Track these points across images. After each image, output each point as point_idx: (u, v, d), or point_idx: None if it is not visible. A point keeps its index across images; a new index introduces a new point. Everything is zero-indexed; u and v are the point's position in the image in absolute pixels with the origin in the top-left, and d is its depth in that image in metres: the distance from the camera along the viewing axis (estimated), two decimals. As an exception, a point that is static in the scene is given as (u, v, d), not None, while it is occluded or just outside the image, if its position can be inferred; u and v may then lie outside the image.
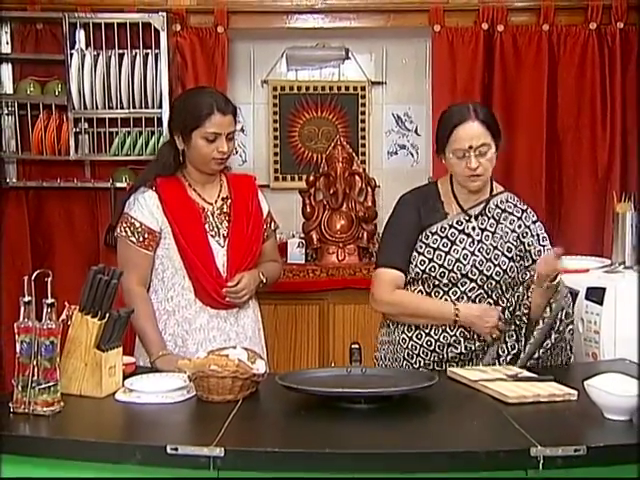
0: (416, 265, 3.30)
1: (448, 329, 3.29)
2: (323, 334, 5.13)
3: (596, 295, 3.81)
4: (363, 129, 5.67)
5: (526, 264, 3.33)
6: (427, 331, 3.32)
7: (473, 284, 3.28)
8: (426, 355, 3.33)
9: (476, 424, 2.60)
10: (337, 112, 5.65)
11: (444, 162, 3.32)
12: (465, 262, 3.28)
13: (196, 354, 3.30)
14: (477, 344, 3.29)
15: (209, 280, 3.45)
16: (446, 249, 3.29)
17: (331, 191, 5.47)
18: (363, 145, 5.67)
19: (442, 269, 3.28)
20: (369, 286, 5.06)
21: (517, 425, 2.47)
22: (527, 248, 3.32)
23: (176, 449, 2.27)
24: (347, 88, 5.66)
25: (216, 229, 3.49)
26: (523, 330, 3.25)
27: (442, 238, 3.31)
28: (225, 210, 3.54)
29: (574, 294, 3.89)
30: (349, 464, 2.31)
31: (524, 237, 3.33)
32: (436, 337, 3.30)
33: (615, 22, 5.06)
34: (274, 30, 5.37)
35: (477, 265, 3.27)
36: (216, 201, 3.55)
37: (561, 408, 2.69)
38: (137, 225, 3.43)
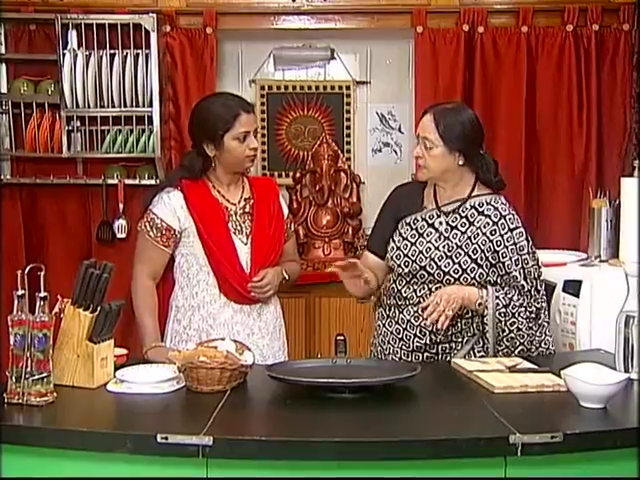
0: (388, 251, 3.45)
1: (412, 320, 3.33)
2: (309, 326, 5.18)
3: (573, 288, 3.88)
4: (348, 127, 5.70)
5: (500, 273, 3.33)
6: (396, 319, 3.39)
7: (431, 277, 3.33)
8: (395, 343, 3.39)
9: (457, 413, 2.64)
10: (323, 111, 5.69)
11: None
12: (426, 255, 3.34)
13: None
14: (441, 337, 3.32)
15: (234, 275, 3.53)
16: (413, 240, 3.38)
17: (317, 187, 5.54)
18: (348, 143, 5.71)
19: (406, 259, 3.36)
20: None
21: (497, 414, 2.53)
22: (501, 259, 3.32)
23: (166, 438, 2.32)
24: (332, 87, 5.69)
25: (239, 228, 3.57)
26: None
27: (412, 229, 3.41)
28: (247, 210, 3.62)
29: (552, 287, 3.97)
30: (334, 452, 2.36)
31: (498, 246, 3.33)
32: (403, 326, 3.36)
33: (591, 24, 5.09)
34: (261, 31, 5.39)
35: (436, 260, 3.32)
36: (239, 201, 3.62)
37: (540, 397, 2.75)
38: (157, 221, 3.52)
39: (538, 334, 3.36)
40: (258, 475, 2.40)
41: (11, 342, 2.63)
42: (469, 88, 5.23)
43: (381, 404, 2.70)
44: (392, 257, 3.42)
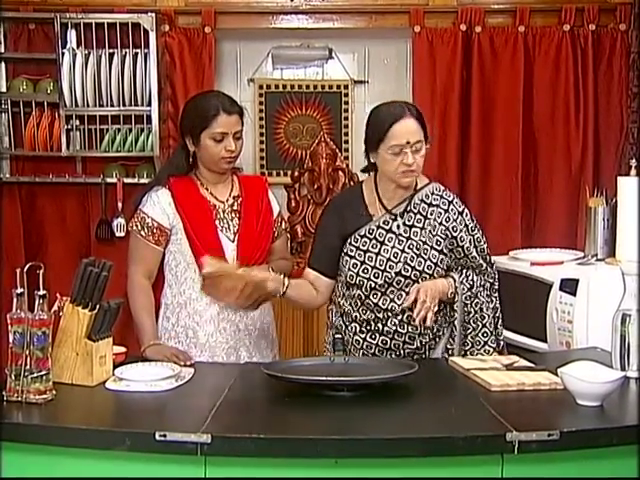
0: (349, 269, 3.32)
1: (399, 329, 3.29)
2: (307, 324, 5.19)
3: (569, 286, 3.89)
4: (346, 126, 5.71)
5: (458, 257, 3.36)
6: (380, 332, 3.32)
7: (408, 280, 3.28)
8: (382, 353, 3.33)
9: (455, 411, 2.64)
10: (321, 110, 5.69)
11: (374, 160, 3.31)
12: (396, 260, 3.28)
13: (206, 345, 3.47)
14: (429, 338, 3.33)
15: None
16: (376, 250, 3.30)
17: (315, 186, 5.54)
18: (346, 142, 5.71)
19: (375, 270, 3.29)
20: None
21: (494, 411, 2.55)
22: (460, 243, 3.34)
23: (164, 436, 2.33)
24: (331, 87, 5.69)
25: (227, 225, 3.55)
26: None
27: (371, 240, 3.32)
28: (236, 208, 3.60)
29: (549, 285, 4.00)
30: (332, 450, 2.37)
31: (455, 232, 3.34)
32: (390, 336, 3.31)
33: (587, 24, 5.12)
34: (260, 30, 5.41)
35: (408, 262, 3.28)
36: (227, 199, 3.61)
37: (537, 395, 2.77)
38: (147, 220, 3.51)
39: (493, 308, 3.41)
40: (256, 473, 2.41)
41: (10, 340, 2.64)
42: (466, 88, 5.25)
43: (379, 402, 2.71)
44: (358, 272, 3.31)
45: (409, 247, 3.31)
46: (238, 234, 3.57)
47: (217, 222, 3.55)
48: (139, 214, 3.55)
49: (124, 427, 2.49)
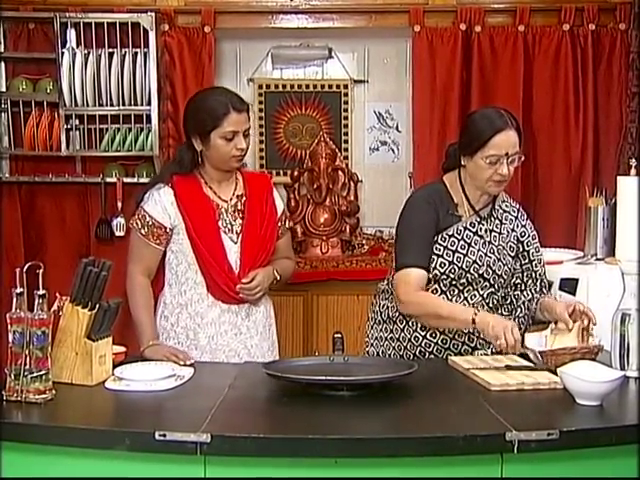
0: (435, 267, 3.29)
1: (462, 329, 3.29)
2: (307, 324, 5.19)
3: (569, 285, 3.93)
4: (346, 126, 5.73)
5: (523, 262, 3.42)
6: (441, 330, 3.32)
7: (486, 283, 3.33)
8: (440, 353, 3.34)
9: (455, 411, 2.64)
10: (321, 109, 5.71)
11: (465, 163, 3.30)
12: (480, 263, 3.31)
13: (207, 347, 3.44)
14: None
15: (221, 275, 3.49)
16: (464, 251, 3.30)
17: (315, 186, 5.55)
18: (346, 141, 5.73)
19: (461, 270, 3.29)
20: (351, 278, 5.18)
21: (494, 411, 2.55)
22: (526, 248, 3.43)
23: (164, 435, 2.33)
24: (330, 86, 5.71)
25: (230, 226, 3.53)
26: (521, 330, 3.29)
27: (459, 240, 3.31)
28: (239, 208, 3.57)
29: (549, 285, 4.02)
30: (331, 449, 2.36)
31: (522, 237, 3.43)
32: (451, 335, 3.32)
33: (587, 24, 5.12)
34: (260, 30, 5.40)
35: (491, 265, 3.32)
36: (231, 199, 3.57)
37: (537, 395, 2.78)
38: (147, 219, 3.49)
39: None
40: (256, 472, 2.41)
41: (10, 340, 2.64)
42: (466, 87, 5.25)
43: (378, 401, 2.71)
44: (445, 272, 3.30)
45: (491, 251, 3.35)
46: (241, 235, 3.54)
47: (220, 223, 3.52)
48: (140, 211, 3.53)
49: (124, 427, 2.48)
